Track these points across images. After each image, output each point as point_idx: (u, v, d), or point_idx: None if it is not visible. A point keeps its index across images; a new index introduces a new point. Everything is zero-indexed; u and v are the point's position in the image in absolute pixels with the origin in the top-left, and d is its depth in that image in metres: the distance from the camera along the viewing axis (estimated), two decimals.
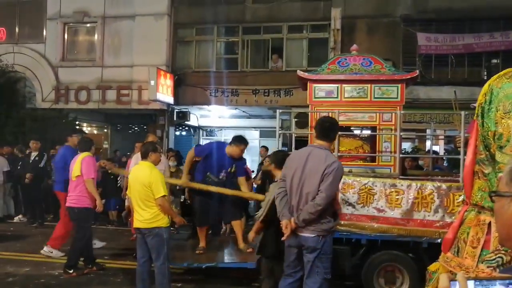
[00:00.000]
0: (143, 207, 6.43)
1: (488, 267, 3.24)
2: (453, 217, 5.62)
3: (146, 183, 6.36)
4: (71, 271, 8.14)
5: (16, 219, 13.74)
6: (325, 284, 5.18)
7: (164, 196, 6.38)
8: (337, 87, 7.11)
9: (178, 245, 8.72)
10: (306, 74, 7.39)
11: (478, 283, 1.25)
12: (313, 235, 5.07)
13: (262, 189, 9.12)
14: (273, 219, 5.62)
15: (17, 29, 20.46)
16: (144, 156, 6.63)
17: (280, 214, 5.28)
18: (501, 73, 3.49)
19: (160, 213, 6.43)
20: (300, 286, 5.31)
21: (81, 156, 8.44)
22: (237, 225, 8.01)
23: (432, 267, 4.05)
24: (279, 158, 5.99)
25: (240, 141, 7.94)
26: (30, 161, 13.08)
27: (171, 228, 7.35)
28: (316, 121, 5.78)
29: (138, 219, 6.52)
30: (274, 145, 8.09)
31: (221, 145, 8.46)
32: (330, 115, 7.03)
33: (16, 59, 19.71)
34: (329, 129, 5.30)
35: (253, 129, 21.99)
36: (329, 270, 5.19)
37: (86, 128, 21.20)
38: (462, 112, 6.45)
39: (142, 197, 6.40)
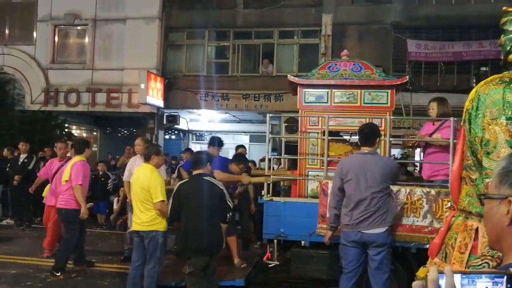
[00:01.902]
0: (142, 209, 6.40)
1: None
2: (442, 223, 5.65)
3: (145, 186, 6.33)
4: (58, 274, 8.08)
5: (4, 221, 13.64)
6: (391, 274, 5.67)
7: (162, 201, 6.29)
8: (327, 92, 7.12)
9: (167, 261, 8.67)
10: (297, 78, 7.38)
11: (464, 276, 1.26)
12: (384, 230, 5.48)
13: None
14: (178, 215, 5.92)
15: (7, 31, 20.39)
16: (147, 159, 6.61)
17: (329, 215, 5.83)
18: (488, 79, 3.51)
19: (158, 217, 6.38)
20: (360, 282, 5.74)
21: (72, 161, 8.47)
22: (232, 241, 7.97)
23: (420, 272, 4.05)
24: (193, 159, 6.33)
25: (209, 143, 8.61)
26: (19, 163, 12.99)
27: None
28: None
29: (137, 222, 6.50)
30: (264, 149, 8.10)
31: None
32: (319, 120, 7.07)
33: (6, 60, 19.65)
34: (368, 135, 5.74)
35: (243, 133, 22.02)
36: (391, 261, 5.65)
37: (75, 131, 21.11)
38: (451, 119, 6.48)
39: (142, 199, 6.38)
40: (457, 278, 1.26)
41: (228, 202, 5.92)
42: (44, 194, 9.71)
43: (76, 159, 8.46)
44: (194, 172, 6.07)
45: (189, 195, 5.85)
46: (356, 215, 5.49)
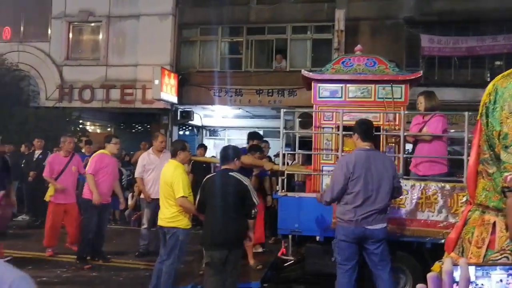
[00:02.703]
0: (166, 205, 6.49)
1: None
2: (457, 218, 5.63)
3: (168, 182, 6.40)
4: (86, 265, 8.60)
5: (19, 217, 13.71)
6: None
7: (183, 197, 6.29)
8: (341, 87, 7.11)
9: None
10: (311, 73, 7.38)
11: (479, 268, 1.27)
12: (384, 226, 5.61)
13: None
14: (204, 204, 5.94)
15: (22, 28, 20.51)
16: (173, 155, 6.69)
17: (324, 194, 5.86)
18: (506, 73, 3.47)
19: (180, 214, 6.42)
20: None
21: (94, 154, 9.11)
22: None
23: (435, 267, 4.04)
24: (220, 155, 6.32)
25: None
26: (34, 160, 13.09)
27: None
28: (355, 124, 5.95)
29: (161, 217, 6.61)
30: (278, 145, 8.10)
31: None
32: (334, 115, 7.06)
33: (21, 57, 19.77)
34: (370, 130, 5.81)
35: (256, 129, 21.94)
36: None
37: (89, 127, 21.22)
38: (466, 113, 6.46)
39: (166, 195, 6.46)
40: (472, 270, 1.26)
41: (253, 199, 5.82)
42: (50, 192, 9.64)
43: (98, 152, 9.09)
44: (222, 167, 6.08)
45: (212, 189, 5.87)
46: (361, 212, 5.50)
